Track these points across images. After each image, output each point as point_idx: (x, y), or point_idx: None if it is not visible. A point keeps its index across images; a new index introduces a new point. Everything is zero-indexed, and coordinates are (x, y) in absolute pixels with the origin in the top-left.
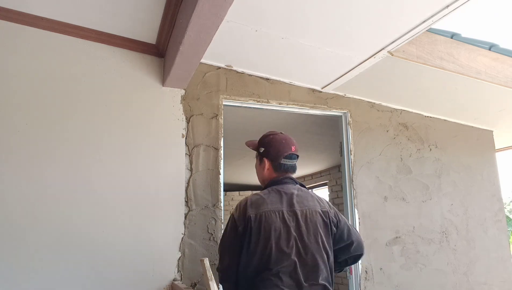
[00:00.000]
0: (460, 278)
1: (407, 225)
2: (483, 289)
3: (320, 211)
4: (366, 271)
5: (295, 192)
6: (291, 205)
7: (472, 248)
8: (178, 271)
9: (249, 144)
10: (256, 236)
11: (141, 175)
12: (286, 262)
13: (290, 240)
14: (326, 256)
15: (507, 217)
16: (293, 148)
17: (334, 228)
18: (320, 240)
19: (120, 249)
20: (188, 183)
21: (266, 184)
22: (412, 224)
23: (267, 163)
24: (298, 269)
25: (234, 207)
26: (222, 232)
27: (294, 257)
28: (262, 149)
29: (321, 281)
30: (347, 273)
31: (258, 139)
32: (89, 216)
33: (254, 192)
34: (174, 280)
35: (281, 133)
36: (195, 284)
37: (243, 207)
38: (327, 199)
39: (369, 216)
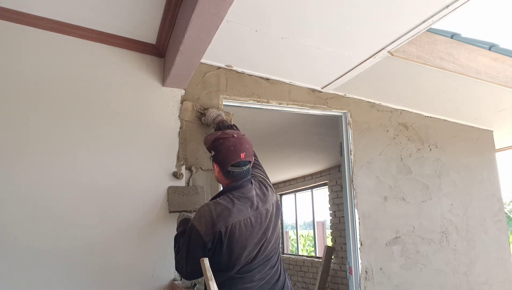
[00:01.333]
0: (460, 278)
1: (407, 225)
2: (483, 289)
3: (276, 202)
4: (366, 271)
5: (255, 192)
6: (256, 207)
7: (472, 248)
8: None
9: (206, 141)
10: (228, 248)
11: (141, 175)
12: (255, 262)
13: (258, 244)
14: (279, 242)
15: (507, 217)
16: (242, 155)
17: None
18: (277, 231)
19: (120, 249)
20: (188, 183)
21: (224, 188)
22: (412, 224)
23: (216, 168)
24: (264, 265)
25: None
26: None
27: (261, 256)
28: (212, 153)
29: (281, 269)
30: (347, 273)
31: (217, 135)
32: (89, 216)
33: (213, 199)
34: (174, 280)
35: (234, 136)
36: (195, 284)
37: (209, 221)
38: (327, 199)
39: (369, 216)
